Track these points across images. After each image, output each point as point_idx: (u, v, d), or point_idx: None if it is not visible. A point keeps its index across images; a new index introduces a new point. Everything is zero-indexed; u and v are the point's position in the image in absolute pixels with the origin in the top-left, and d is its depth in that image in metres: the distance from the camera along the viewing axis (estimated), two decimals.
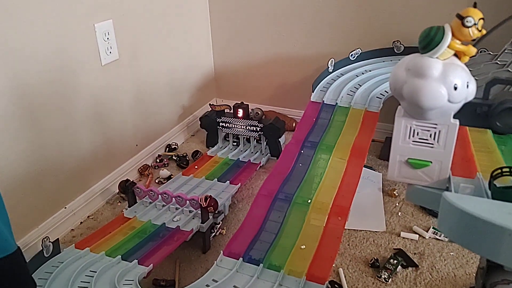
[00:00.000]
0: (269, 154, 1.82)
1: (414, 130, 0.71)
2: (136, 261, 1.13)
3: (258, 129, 1.79)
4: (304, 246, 1.06)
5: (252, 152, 1.84)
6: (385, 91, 1.58)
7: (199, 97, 2.11)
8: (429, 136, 0.70)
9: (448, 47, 0.66)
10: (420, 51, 0.68)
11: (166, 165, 1.81)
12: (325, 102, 1.56)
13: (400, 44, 1.73)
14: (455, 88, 0.64)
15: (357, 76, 1.67)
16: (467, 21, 0.65)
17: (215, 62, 2.18)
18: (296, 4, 1.89)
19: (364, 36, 1.82)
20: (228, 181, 1.58)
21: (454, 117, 0.68)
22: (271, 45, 2.02)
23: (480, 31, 0.66)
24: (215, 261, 1.03)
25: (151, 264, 1.12)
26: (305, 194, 1.21)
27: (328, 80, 1.67)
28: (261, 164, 1.76)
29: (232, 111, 1.83)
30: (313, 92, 1.60)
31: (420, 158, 0.71)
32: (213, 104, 1.87)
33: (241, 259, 1.02)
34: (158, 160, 1.82)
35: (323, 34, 1.90)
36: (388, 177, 0.75)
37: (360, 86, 1.61)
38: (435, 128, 0.69)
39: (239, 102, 1.83)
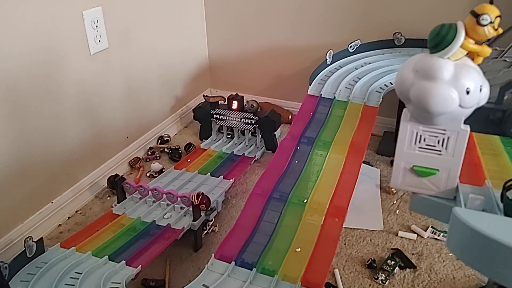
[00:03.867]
0: (264, 147, 1.77)
1: (420, 136, 0.66)
2: (124, 261, 1.09)
3: (253, 122, 1.74)
4: (300, 249, 1.01)
5: (246, 146, 1.79)
6: (385, 85, 1.53)
7: (192, 87, 2.05)
8: (437, 142, 0.65)
9: (460, 47, 0.61)
10: (430, 50, 0.62)
11: (158, 158, 1.76)
12: (322, 95, 1.51)
13: (401, 36, 1.68)
14: (468, 92, 0.58)
15: (356, 68, 1.61)
16: (482, 19, 0.59)
17: (209, 51, 2.12)
18: None
19: (364, 27, 1.76)
20: (221, 176, 1.53)
21: (465, 122, 0.63)
22: (268, 35, 1.96)
23: (496, 30, 0.60)
24: (206, 264, 0.98)
25: (140, 265, 1.07)
26: (301, 193, 1.16)
27: (326, 72, 1.62)
28: (255, 158, 1.71)
29: (226, 102, 1.78)
30: (310, 85, 1.54)
31: (427, 166, 0.66)
32: (207, 96, 1.81)
33: (233, 262, 0.97)
34: (149, 153, 1.77)
35: (322, 24, 1.84)
36: (391, 185, 0.70)
37: (359, 79, 1.56)
38: (443, 134, 0.64)
39: (234, 94, 1.77)
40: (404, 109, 0.66)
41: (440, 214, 0.65)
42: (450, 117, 0.61)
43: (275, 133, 1.76)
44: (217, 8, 2.00)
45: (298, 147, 1.32)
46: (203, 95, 1.83)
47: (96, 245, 1.17)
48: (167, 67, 1.86)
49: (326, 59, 1.63)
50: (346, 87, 1.53)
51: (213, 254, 1.00)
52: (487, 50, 0.62)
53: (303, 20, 1.86)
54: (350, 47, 1.68)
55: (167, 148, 1.78)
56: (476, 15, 0.60)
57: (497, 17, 0.60)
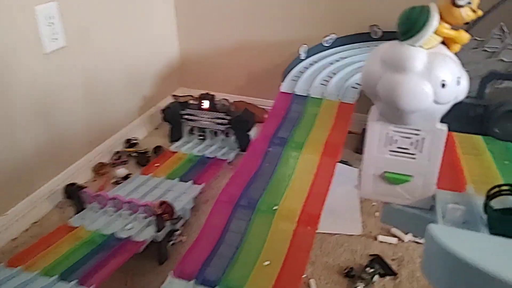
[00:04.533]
0: (238, 148, 1.68)
1: (391, 137, 0.57)
2: (76, 281, 0.98)
3: (225, 122, 1.65)
4: (268, 262, 0.92)
5: (219, 147, 1.69)
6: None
7: (162, 86, 1.95)
8: (410, 144, 0.56)
9: (434, 32, 0.52)
10: (400, 37, 0.53)
11: (125, 162, 1.65)
12: (296, 93, 1.42)
13: (378, 28, 1.60)
14: (443, 85, 0.50)
15: (331, 64, 1.53)
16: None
17: (180, 48, 2.01)
18: None
19: (339, 20, 1.68)
20: (191, 181, 1.44)
21: (442, 120, 0.54)
22: (241, 30, 1.86)
23: (475, 12, 0.52)
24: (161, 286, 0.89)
25: (93, 285, 0.97)
26: (271, 199, 1.07)
27: (300, 68, 1.53)
28: (229, 160, 1.61)
29: (197, 102, 1.68)
30: (283, 81, 1.46)
31: (399, 172, 0.58)
32: (176, 95, 1.71)
33: (193, 280, 0.88)
34: (115, 158, 1.66)
35: (296, 19, 1.75)
36: (361, 195, 0.62)
37: (335, 74, 1.47)
38: (417, 135, 0.56)
39: (205, 93, 1.68)
40: (372, 107, 0.57)
41: (416, 227, 0.57)
42: (424, 114, 0.52)
43: (249, 133, 1.66)
44: (188, 3, 1.90)
45: (270, 149, 1.24)
46: (172, 95, 1.73)
47: (48, 262, 1.07)
48: (134, 66, 1.75)
49: (300, 55, 1.54)
50: (320, 84, 1.45)
51: (170, 272, 0.90)
52: (465, 36, 0.53)
53: (276, 14, 1.77)
54: (325, 41, 1.60)
55: (135, 152, 1.67)
56: None
57: None
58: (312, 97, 1.40)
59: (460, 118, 0.53)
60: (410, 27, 0.52)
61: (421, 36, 0.51)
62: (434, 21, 0.51)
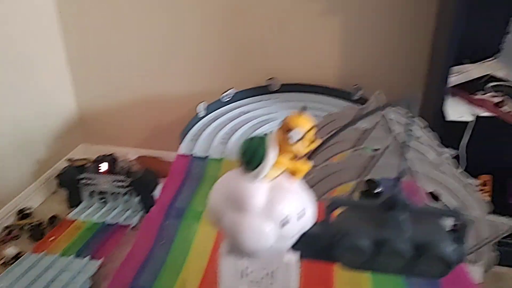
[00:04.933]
0: (142, 210, 1.60)
1: (245, 270, 0.55)
2: None
3: (126, 184, 1.57)
4: None
5: (122, 210, 1.60)
6: (265, 134, 1.44)
7: (60, 146, 1.82)
8: (265, 276, 0.54)
9: (275, 163, 0.50)
10: (243, 167, 0.51)
11: (16, 237, 1.51)
12: (195, 155, 1.38)
13: (275, 81, 1.61)
14: (286, 223, 0.48)
15: (231, 120, 1.51)
16: (290, 137, 0.50)
17: (79, 103, 1.90)
18: (167, 41, 1.70)
19: (237, 74, 1.68)
20: (88, 256, 1.34)
21: (295, 246, 0.53)
22: (143, 83, 1.81)
23: (310, 144, 0.51)
24: None
25: None
26: (165, 284, 1.01)
27: (199, 127, 1.49)
28: (132, 225, 1.53)
29: (94, 165, 1.59)
30: (181, 143, 1.41)
31: None
32: (71, 159, 1.60)
33: None
34: (5, 234, 1.51)
35: (195, 72, 1.73)
36: None
37: (235, 131, 1.46)
38: (270, 266, 0.54)
39: (102, 155, 1.59)
40: (224, 240, 0.55)
41: None
42: (271, 250, 0.50)
43: (152, 193, 1.60)
44: (83, 55, 1.81)
45: (166, 222, 1.18)
46: (68, 159, 1.63)
47: None
48: (24, 126, 1.63)
49: (198, 113, 1.51)
50: (220, 143, 1.42)
51: None
52: (304, 167, 0.52)
53: (177, 67, 1.74)
54: (224, 96, 1.58)
55: (28, 225, 1.54)
56: (285, 130, 0.50)
57: (310, 129, 0.50)
58: (211, 159, 1.37)
59: (311, 245, 0.52)
60: (249, 159, 0.50)
61: (262, 170, 0.49)
62: (271, 154, 0.50)
